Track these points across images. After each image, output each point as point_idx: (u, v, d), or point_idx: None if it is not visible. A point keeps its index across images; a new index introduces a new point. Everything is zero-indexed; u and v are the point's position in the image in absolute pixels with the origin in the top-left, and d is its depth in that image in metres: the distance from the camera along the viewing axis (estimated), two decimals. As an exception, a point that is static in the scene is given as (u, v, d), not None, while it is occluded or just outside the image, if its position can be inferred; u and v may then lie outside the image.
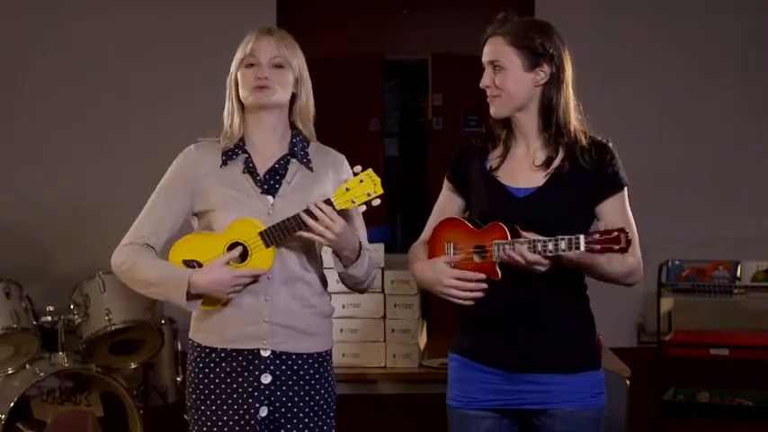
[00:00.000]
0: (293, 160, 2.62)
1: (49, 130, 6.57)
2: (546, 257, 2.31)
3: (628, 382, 3.17)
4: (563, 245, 2.28)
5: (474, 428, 2.51)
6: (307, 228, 2.47)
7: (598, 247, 2.26)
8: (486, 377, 2.49)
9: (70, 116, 6.58)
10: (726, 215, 6.61)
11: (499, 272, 2.38)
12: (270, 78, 2.55)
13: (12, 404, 4.14)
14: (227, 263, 2.51)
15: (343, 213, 2.51)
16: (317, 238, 2.48)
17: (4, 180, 6.52)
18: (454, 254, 2.47)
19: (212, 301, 2.54)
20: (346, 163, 2.70)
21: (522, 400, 2.47)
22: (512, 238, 2.35)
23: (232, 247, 2.51)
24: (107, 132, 6.59)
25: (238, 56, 2.58)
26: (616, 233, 2.25)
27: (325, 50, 6.82)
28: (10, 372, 4.33)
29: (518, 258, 2.31)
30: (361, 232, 2.65)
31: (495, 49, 2.47)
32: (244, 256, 2.52)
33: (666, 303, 5.30)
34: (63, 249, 6.39)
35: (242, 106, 2.61)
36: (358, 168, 2.49)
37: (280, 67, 2.57)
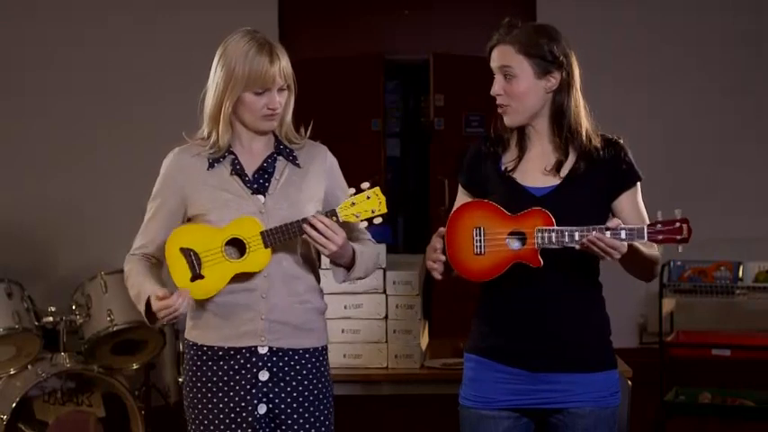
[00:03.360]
0: (280, 158, 2.63)
1: (51, 131, 6.58)
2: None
3: (630, 382, 3.17)
4: (623, 234, 2.28)
5: (492, 429, 2.50)
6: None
7: (660, 237, 2.28)
8: (507, 377, 2.49)
9: (71, 117, 6.58)
10: (727, 215, 6.60)
11: (541, 259, 2.36)
12: (279, 106, 2.56)
13: (14, 404, 4.14)
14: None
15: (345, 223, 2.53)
16: (318, 247, 2.50)
17: (6, 181, 6.52)
18: (484, 239, 2.41)
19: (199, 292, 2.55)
20: (329, 153, 2.71)
21: (543, 399, 2.48)
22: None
23: (231, 242, 2.53)
24: (108, 133, 6.59)
25: (241, 76, 2.51)
26: (678, 223, 2.27)
27: (326, 51, 6.83)
28: (12, 372, 4.33)
29: (599, 243, 2.29)
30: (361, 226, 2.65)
31: (505, 56, 2.47)
32: (242, 252, 2.53)
33: (668, 304, 5.29)
34: (65, 250, 6.40)
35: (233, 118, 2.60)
36: (366, 185, 2.50)
37: (284, 89, 2.57)
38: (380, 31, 7.14)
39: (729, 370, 5.30)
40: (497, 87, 2.49)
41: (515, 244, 2.39)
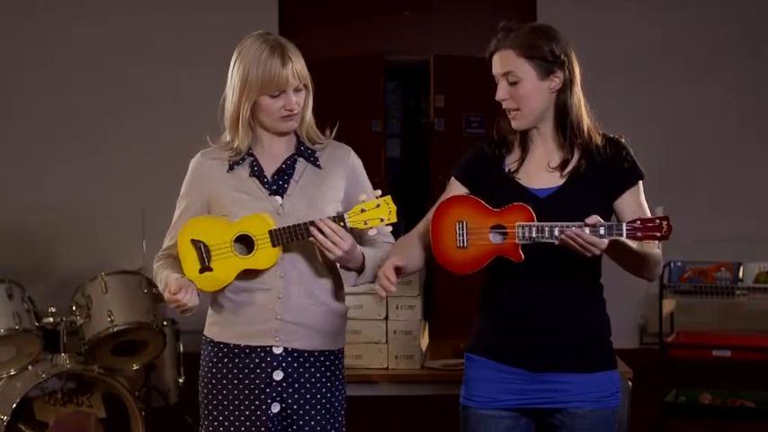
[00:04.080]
0: (300, 159, 2.64)
1: (52, 132, 6.59)
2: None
3: (630, 383, 3.17)
4: (602, 230, 2.29)
5: (492, 428, 2.51)
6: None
7: (640, 234, 2.28)
8: (508, 377, 2.50)
9: (72, 118, 6.59)
10: (728, 216, 6.61)
11: (522, 254, 2.38)
12: (296, 106, 2.58)
13: (14, 405, 4.14)
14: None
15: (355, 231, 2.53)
16: (324, 251, 2.51)
17: (6, 182, 6.53)
18: (467, 233, 2.45)
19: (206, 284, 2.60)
20: (352, 154, 2.72)
21: (544, 399, 2.49)
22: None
23: (240, 238, 2.56)
24: (109, 134, 6.60)
25: (255, 80, 2.52)
26: (658, 221, 2.28)
27: (326, 51, 6.83)
28: (12, 373, 4.33)
29: (577, 238, 2.30)
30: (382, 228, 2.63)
31: (507, 62, 2.47)
32: (250, 248, 2.55)
33: (668, 304, 5.29)
34: (65, 251, 6.40)
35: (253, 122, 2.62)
36: (378, 192, 2.52)
37: (300, 89, 2.59)
38: (381, 31, 7.15)
39: (730, 371, 5.30)
40: (502, 93, 2.49)
41: (498, 238, 2.42)
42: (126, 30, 6.61)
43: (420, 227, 2.64)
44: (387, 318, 3.66)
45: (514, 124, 2.51)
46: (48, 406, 4.40)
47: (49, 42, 6.59)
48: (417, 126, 8.37)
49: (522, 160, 2.53)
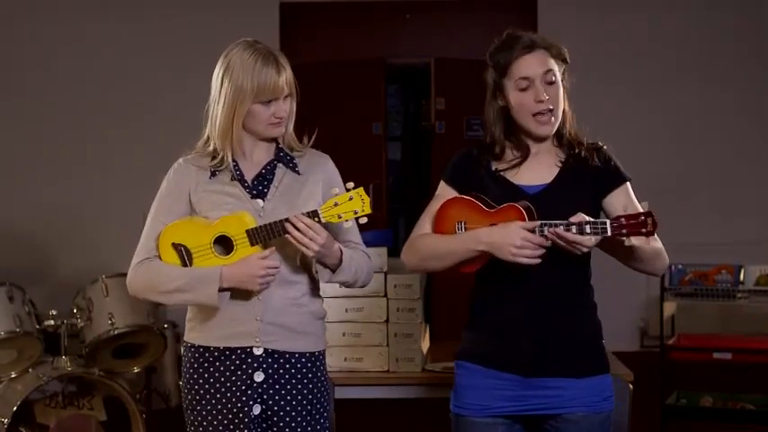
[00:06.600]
0: (280, 165, 2.67)
1: (52, 134, 6.59)
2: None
3: (631, 386, 3.17)
4: (588, 229, 2.30)
5: None
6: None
7: (625, 231, 2.29)
8: (500, 383, 2.50)
9: (74, 121, 6.60)
10: (729, 218, 6.61)
11: None
12: (285, 113, 2.61)
13: (15, 408, 4.15)
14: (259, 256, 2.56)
15: (330, 224, 2.55)
16: (300, 248, 2.52)
17: (7, 184, 6.53)
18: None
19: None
20: (331, 162, 2.74)
21: (536, 405, 2.49)
22: (528, 220, 2.38)
23: (219, 239, 2.58)
24: (110, 136, 6.60)
25: (250, 89, 2.54)
26: (643, 217, 2.28)
27: (327, 54, 6.84)
28: (13, 376, 4.34)
29: (561, 240, 2.32)
30: (353, 232, 2.68)
31: (545, 62, 2.47)
32: (229, 249, 2.57)
33: (669, 307, 5.29)
34: (66, 253, 6.40)
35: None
36: (350, 185, 2.53)
37: (288, 97, 2.61)
38: (382, 35, 7.15)
39: (731, 373, 5.30)
40: (541, 95, 2.46)
41: None
42: (127, 31, 6.62)
43: (428, 227, 2.62)
44: (387, 320, 3.66)
45: (547, 130, 2.50)
46: (48, 409, 4.40)
47: (49, 42, 6.59)
48: (418, 129, 8.37)
49: (518, 164, 2.54)
